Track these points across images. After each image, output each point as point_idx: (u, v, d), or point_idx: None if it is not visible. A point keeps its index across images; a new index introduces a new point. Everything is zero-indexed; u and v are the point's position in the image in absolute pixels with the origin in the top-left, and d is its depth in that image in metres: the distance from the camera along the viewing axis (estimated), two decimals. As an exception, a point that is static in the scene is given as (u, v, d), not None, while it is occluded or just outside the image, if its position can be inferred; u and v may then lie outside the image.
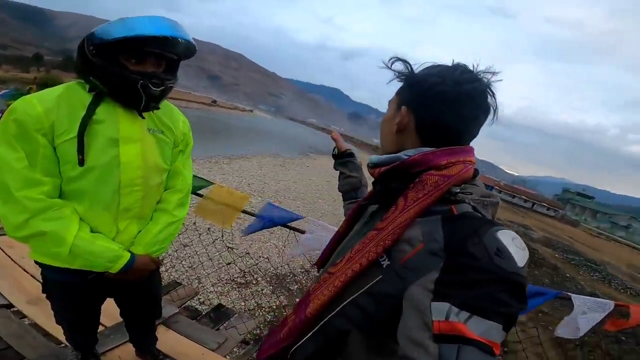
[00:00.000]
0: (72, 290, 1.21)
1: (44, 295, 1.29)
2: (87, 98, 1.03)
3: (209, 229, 3.16)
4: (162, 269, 3.95)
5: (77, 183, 1.02)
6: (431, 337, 0.44)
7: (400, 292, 0.51)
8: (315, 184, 15.46)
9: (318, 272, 0.85)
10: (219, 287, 4.04)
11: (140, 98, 1.03)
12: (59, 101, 1.00)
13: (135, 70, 1.02)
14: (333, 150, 1.20)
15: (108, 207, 1.07)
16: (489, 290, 0.44)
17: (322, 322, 0.61)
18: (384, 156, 0.66)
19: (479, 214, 0.56)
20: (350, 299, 0.58)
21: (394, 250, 0.56)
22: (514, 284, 0.45)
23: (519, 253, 0.47)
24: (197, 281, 3.95)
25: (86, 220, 1.06)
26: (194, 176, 2.30)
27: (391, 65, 0.66)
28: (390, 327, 0.53)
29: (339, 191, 1.14)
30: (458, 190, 0.57)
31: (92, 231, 1.07)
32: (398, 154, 0.63)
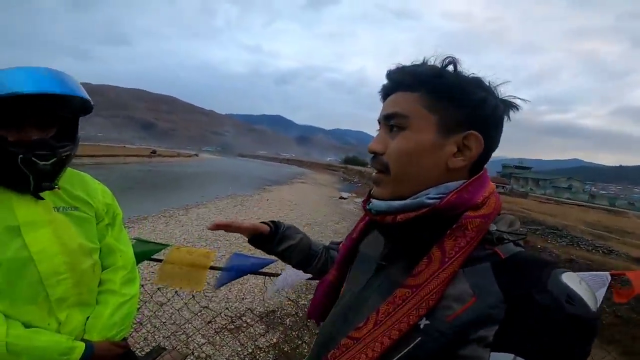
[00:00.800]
0: None
1: None
2: None
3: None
4: (143, 332, 3.63)
5: None
6: None
7: (447, 353, 0.45)
8: (280, 216, 15.23)
9: (318, 324, 0.75)
10: (211, 338, 3.82)
11: (25, 177, 0.86)
12: None
13: (13, 140, 0.85)
14: (250, 238, 0.90)
15: (34, 301, 0.94)
16: (563, 339, 0.39)
17: None
18: (399, 202, 0.54)
19: (524, 250, 0.51)
20: None
21: (436, 308, 0.48)
22: (590, 331, 0.41)
23: (590, 297, 0.43)
24: (185, 337, 3.72)
25: (14, 317, 0.92)
26: (145, 241, 2.16)
27: (445, 66, 0.54)
28: None
29: (292, 265, 0.95)
30: (495, 228, 0.51)
31: (26, 327, 0.93)
32: (419, 198, 0.53)
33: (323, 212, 17.38)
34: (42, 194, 0.96)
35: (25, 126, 0.86)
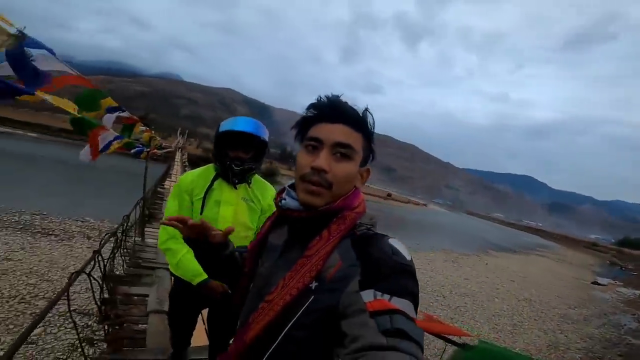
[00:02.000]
0: (180, 292, 1.74)
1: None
2: (212, 174, 1.60)
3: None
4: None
5: None
6: (367, 315, 0.56)
7: (335, 301, 0.63)
8: (493, 283, 14.07)
9: (236, 308, 0.88)
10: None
11: (228, 174, 1.54)
12: (199, 176, 1.60)
13: (230, 155, 1.50)
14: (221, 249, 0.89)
15: None
16: (397, 278, 0.61)
17: (271, 350, 0.68)
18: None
19: (372, 232, 0.73)
20: (292, 322, 0.66)
21: (321, 272, 0.68)
22: (410, 272, 0.63)
23: (405, 251, 0.66)
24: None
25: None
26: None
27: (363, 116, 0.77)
28: (333, 337, 0.63)
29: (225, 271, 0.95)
30: (359, 221, 0.74)
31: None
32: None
33: (556, 291, 14.89)
34: (238, 188, 1.58)
35: (238, 148, 1.51)
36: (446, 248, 20.85)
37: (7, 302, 4.81)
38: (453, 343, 2.03)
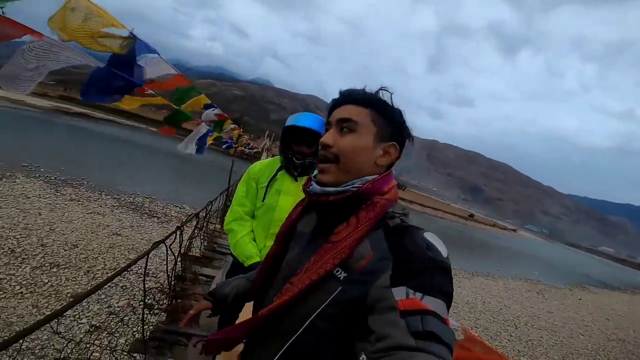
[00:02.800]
0: (235, 273, 1.70)
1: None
2: (277, 166, 1.70)
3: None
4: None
5: (258, 210, 1.68)
6: (397, 314, 0.54)
7: (364, 294, 0.61)
8: (582, 319, 12.15)
9: (254, 293, 0.92)
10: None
11: (289, 167, 1.63)
12: (265, 166, 1.71)
13: (294, 149, 1.58)
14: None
15: (265, 228, 1.67)
16: (431, 275, 0.58)
17: (293, 339, 0.67)
18: (332, 189, 0.73)
19: (406, 223, 0.70)
20: (317, 312, 0.65)
21: (348, 262, 0.65)
22: (445, 270, 0.60)
23: (442, 246, 0.63)
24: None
25: (254, 231, 1.69)
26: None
27: (377, 93, 0.76)
28: (357, 330, 0.62)
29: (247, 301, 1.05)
30: (391, 210, 0.71)
31: (253, 239, 1.66)
32: (347, 186, 0.72)
33: None
34: (299, 180, 1.66)
35: (301, 143, 1.59)
36: (532, 278, 18.55)
37: (107, 273, 5.86)
38: None
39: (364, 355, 0.56)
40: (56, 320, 1.21)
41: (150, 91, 2.50)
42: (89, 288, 5.17)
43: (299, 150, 1.59)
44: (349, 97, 0.76)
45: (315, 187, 0.76)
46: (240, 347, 0.85)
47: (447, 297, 0.58)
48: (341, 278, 0.65)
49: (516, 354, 7.57)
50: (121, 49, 2.06)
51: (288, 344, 0.67)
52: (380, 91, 0.76)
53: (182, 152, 4.50)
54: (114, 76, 2.04)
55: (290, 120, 1.57)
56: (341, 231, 0.69)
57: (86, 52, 1.78)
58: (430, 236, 0.64)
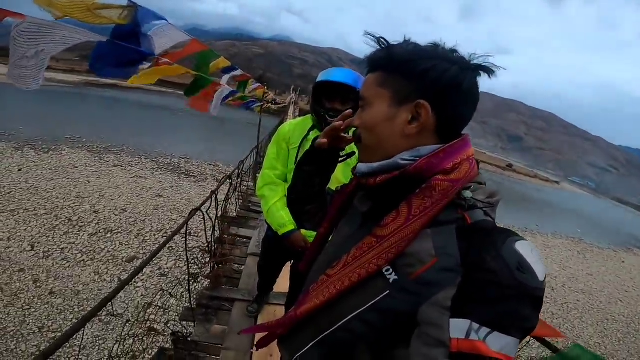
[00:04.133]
0: (270, 241, 1.84)
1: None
2: (309, 125, 1.59)
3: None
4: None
5: (291, 173, 1.45)
6: (446, 355, 0.44)
7: (412, 309, 0.49)
8: (622, 283, 11.72)
9: (304, 273, 0.80)
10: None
11: (322, 125, 1.50)
12: (296, 126, 1.61)
13: (327, 106, 1.46)
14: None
15: None
16: (513, 306, 0.44)
17: (324, 335, 0.59)
18: (376, 164, 0.60)
19: (491, 220, 0.55)
20: (355, 313, 0.55)
21: (400, 263, 0.53)
22: (535, 299, 0.45)
23: (539, 266, 0.46)
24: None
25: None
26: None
27: (397, 44, 0.59)
28: (398, 342, 0.52)
29: (309, 194, 0.85)
30: (470, 195, 0.54)
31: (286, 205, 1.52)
32: (393, 160, 0.58)
33: None
34: None
35: (335, 100, 1.46)
36: (574, 236, 17.69)
37: (154, 235, 6.28)
38: (543, 343, 1.81)
39: None
40: (134, 288, 1.28)
41: (165, 60, 2.39)
42: (140, 250, 5.68)
43: (333, 107, 1.46)
44: (366, 66, 0.63)
45: (359, 166, 0.64)
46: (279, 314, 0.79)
47: (525, 332, 0.46)
48: (390, 280, 0.53)
49: (550, 316, 7.50)
50: (123, 19, 1.92)
51: (320, 337, 0.60)
52: (382, 44, 0.60)
53: (213, 115, 4.52)
54: (120, 48, 1.92)
55: (322, 76, 1.46)
56: (389, 223, 0.54)
57: (85, 28, 1.67)
58: (524, 248, 0.47)
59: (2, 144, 10.08)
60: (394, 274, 0.53)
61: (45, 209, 6.33)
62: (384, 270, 0.54)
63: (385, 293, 0.53)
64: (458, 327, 0.44)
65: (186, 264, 2.10)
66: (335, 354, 0.60)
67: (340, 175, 1.52)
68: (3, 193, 6.69)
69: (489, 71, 0.56)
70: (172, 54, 2.52)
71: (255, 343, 0.82)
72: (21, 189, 7.04)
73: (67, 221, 6.08)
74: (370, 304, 0.54)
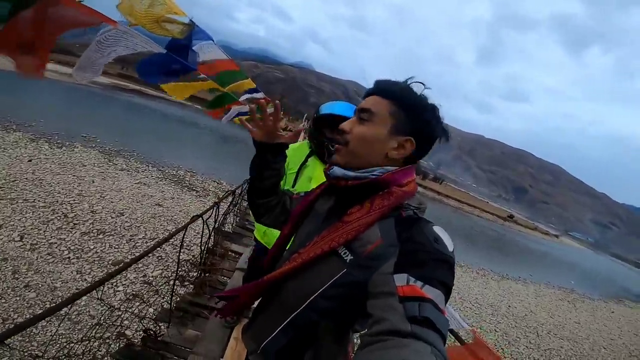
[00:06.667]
0: (257, 259, 1.88)
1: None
2: (307, 152, 1.67)
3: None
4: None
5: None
6: (396, 299, 0.55)
7: (366, 278, 0.64)
8: (609, 332, 11.48)
9: (265, 269, 0.90)
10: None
11: (323, 153, 1.60)
12: (295, 151, 1.67)
13: (327, 136, 1.56)
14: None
15: None
16: (434, 266, 0.59)
17: (294, 315, 0.72)
18: (352, 174, 0.75)
19: (417, 216, 0.71)
20: (320, 291, 0.69)
21: (355, 245, 0.68)
22: (449, 263, 0.61)
23: (448, 241, 0.64)
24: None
25: None
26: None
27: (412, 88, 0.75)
28: (357, 313, 0.67)
29: (260, 188, 0.96)
30: (406, 202, 0.72)
31: None
32: (366, 173, 0.74)
33: None
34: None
35: (335, 130, 1.46)
36: (566, 287, 17.55)
37: (146, 242, 6.24)
38: None
39: (359, 339, 0.58)
40: (101, 287, 1.36)
41: (202, 75, 2.65)
42: (129, 256, 5.67)
43: (333, 137, 1.58)
44: (376, 87, 0.78)
45: (336, 170, 0.78)
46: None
47: (446, 289, 0.58)
48: (347, 260, 0.68)
49: None
50: (180, 34, 2.23)
51: (290, 318, 0.72)
52: (410, 84, 0.75)
53: (223, 123, 4.73)
54: (171, 60, 2.19)
55: (328, 108, 1.58)
56: (354, 212, 0.71)
57: (149, 37, 1.90)
58: (438, 230, 0.66)
59: (19, 133, 10.29)
60: (349, 254, 0.68)
61: (44, 202, 6.40)
62: (340, 252, 0.69)
63: (344, 271, 0.68)
64: (399, 279, 0.58)
65: (176, 263, 2.17)
66: (301, 337, 0.72)
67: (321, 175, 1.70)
68: (8, 181, 6.79)
69: (446, 138, 0.77)
70: (206, 66, 2.72)
71: (218, 310, 0.90)
72: (26, 179, 7.12)
73: (62, 217, 6.07)
74: (331, 280, 0.68)
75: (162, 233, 6.83)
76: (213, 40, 2.61)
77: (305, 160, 1.66)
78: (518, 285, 13.71)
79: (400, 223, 0.68)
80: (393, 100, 0.74)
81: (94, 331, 1.66)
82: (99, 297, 1.64)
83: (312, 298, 0.69)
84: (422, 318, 0.51)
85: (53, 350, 3.22)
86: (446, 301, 0.58)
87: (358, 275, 0.66)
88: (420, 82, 0.75)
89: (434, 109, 0.74)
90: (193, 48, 2.42)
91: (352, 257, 0.68)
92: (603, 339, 10.65)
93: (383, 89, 0.76)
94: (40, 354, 3.15)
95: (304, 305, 0.70)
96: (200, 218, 2.32)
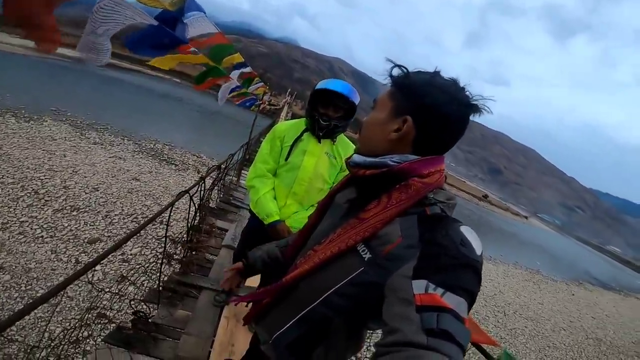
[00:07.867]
0: (252, 231, 1.90)
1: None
2: (303, 127, 1.74)
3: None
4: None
5: (281, 169, 1.74)
6: (413, 309, 0.51)
7: (383, 280, 0.60)
8: (569, 314, 12.38)
9: (290, 259, 0.92)
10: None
11: (314, 128, 1.67)
12: (291, 126, 1.76)
13: (320, 111, 1.63)
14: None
15: (287, 187, 1.73)
16: (458, 272, 0.54)
17: (307, 309, 0.70)
18: (370, 159, 0.72)
19: (445, 213, 0.66)
20: (335, 287, 0.67)
21: (374, 243, 0.65)
22: (475, 268, 0.56)
23: (477, 243, 0.59)
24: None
25: (275, 189, 1.75)
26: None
27: (391, 72, 0.72)
28: (369, 317, 0.65)
29: (271, 269, 1.06)
30: (432, 196, 0.67)
31: (274, 198, 1.73)
32: (384, 159, 0.69)
33: (637, 338, 12.78)
34: (322, 143, 1.71)
35: (328, 106, 1.63)
36: (532, 268, 18.64)
37: (124, 218, 6.08)
38: (480, 350, 1.98)
39: (373, 347, 0.55)
40: (92, 271, 1.29)
41: (192, 49, 2.56)
42: (105, 233, 5.50)
43: (326, 112, 1.62)
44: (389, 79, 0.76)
45: (355, 156, 0.77)
46: (243, 308, 0.88)
47: (471, 296, 0.54)
48: (365, 259, 0.65)
49: (498, 339, 7.78)
50: (172, 6, 2.15)
51: (303, 312, 0.71)
52: (403, 69, 0.72)
53: (219, 105, 4.65)
54: (163, 32, 2.11)
55: (322, 84, 1.60)
56: (371, 209, 0.68)
57: (141, 9, 1.82)
58: (466, 230, 0.60)
59: (-19, 107, 9.60)
60: (368, 252, 0.65)
61: (13, 178, 6.06)
62: (359, 249, 0.66)
63: (361, 269, 0.65)
64: (418, 286, 0.54)
65: (158, 241, 2.09)
66: (313, 331, 0.71)
67: (325, 171, 1.71)
68: (-29, 157, 6.40)
69: (479, 111, 0.68)
70: (195, 42, 2.63)
71: (243, 318, 0.91)
72: (-8, 155, 6.76)
73: (33, 193, 5.79)
74: (348, 279, 0.65)
75: (140, 208, 6.64)
76: (204, 13, 2.50)
77: (301, 135, 1.71)
78: (489, 264, 14.36)
79: (423, 221, 0.63)
80: (395, 86, 0.73)
81: (84, 316, 1.59)
82: (89, 280, 1.55)
83: (326, 294, 0.68)
84: (439, 330, 0.48)
85: (33, 334, 3.13)
86: (470, 308, 0.55)
87: (375, 275, 0.63)
88: (404, 67, 0.72)
89: (438, 82, 0.68)
90: (185, 21, 2.33)
91: (370, 256, 0.64)
92: (563, 320, 11.40)
93: (391, 79, 0.74)
94: (21, 338, 3.04)
95: (318, 301, 0.69)
96: (187, 194, 2.22)
